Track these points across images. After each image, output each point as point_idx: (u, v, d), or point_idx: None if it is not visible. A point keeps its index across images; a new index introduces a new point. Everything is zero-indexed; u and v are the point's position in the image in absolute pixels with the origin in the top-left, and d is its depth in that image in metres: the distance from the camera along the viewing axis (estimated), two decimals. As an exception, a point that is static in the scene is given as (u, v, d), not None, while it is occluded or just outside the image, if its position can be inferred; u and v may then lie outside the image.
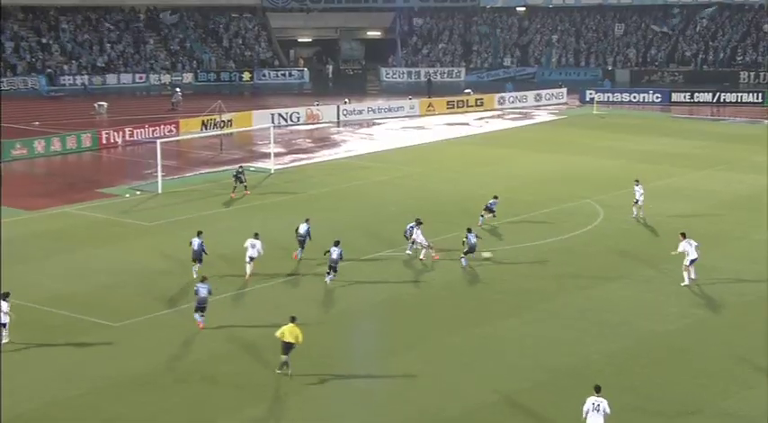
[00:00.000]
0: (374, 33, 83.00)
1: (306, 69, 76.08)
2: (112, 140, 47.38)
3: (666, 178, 39.23)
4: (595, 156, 43.76)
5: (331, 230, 31.21)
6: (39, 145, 44.91)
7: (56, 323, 23.18)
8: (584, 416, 17.08)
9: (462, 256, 27.37)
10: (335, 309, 24.49)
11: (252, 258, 26.16)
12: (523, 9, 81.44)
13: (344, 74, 78.90)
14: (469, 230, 27.75)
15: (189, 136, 48.07)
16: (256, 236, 26.52)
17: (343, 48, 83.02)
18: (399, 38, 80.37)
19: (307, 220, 28.19)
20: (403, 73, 76.56)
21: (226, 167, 42.21)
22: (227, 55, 74.68)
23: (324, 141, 50.46)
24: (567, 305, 24.55)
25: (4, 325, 21.96)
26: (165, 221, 32.84)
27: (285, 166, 42.68)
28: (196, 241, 26.30)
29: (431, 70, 74.88)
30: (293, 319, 20.45)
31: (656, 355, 21.41)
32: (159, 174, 37.28)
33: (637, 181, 33.04)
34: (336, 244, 25.91)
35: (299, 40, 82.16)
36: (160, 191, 36.52)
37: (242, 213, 33.79)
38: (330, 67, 77.70)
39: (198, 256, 26.11)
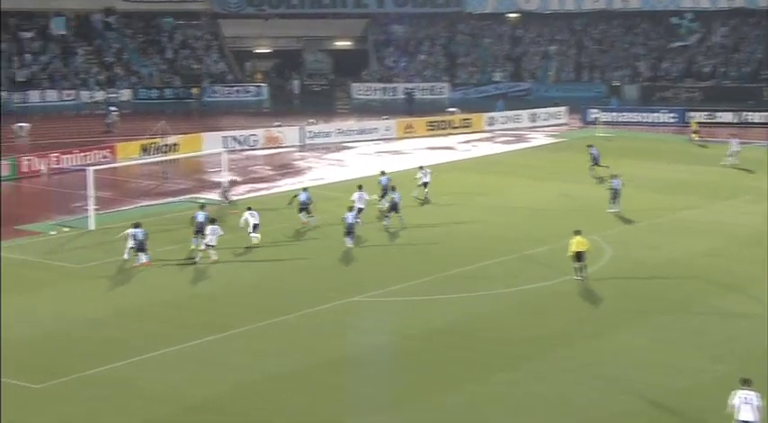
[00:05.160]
0: (344, 43, 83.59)
1: (264, 85, 76.33)
2: (35, 168, 47.14)
3: (684, 210, 39.62)
4: (601, 185, 44.09)
5: (289, 272, 31.23)
6: (-53, 174, 44.71)
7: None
8: (734, 411, 19.27)
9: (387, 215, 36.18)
10: (298, 365, 24.40)
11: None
12: (516, 16, 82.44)
13: (309, 90, 79.25)
14: (350, 208, 35.03)
15: (127, 163, 47.91)
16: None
17: (308, 60, 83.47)
18: (373, 49, 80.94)
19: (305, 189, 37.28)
20: (377, 89, 77.05)
21: (170, 199, 42.04)
22: (171, 68, 74.75)
23: (286, 168, 50.49)
24: (571, 358, 24.66)
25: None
26: (98, 263, 32.60)
27: (240, 197, 42.65)
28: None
29: (410, 86, 75.39)
30: (579, 232, 30.30)
31: (670, 415, 21.44)
32: (91, 207, 37.08)
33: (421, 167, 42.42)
34: (350, 209, 34.23)
35: (256, 50, 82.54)
36: (92, 227, 36.31)
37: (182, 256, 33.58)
38: (296, 83, 77.99)
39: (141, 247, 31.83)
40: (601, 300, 29.19)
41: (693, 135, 56.67)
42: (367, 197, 37.43)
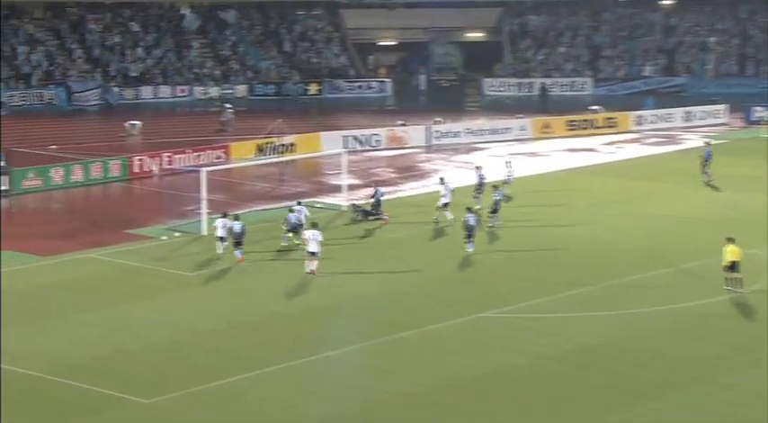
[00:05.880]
0: (475, 35, 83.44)
1: (388, 80, 76.87)
2: (147, 169, 48.56)
3: None
4: (765, 192, 42.91)
5: (407, 283, 31.41)
6: (56, 174, 46.32)
7: (71, 399, 23.70)
8: None
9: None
10: (425, 385, 24.45)
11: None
12: (669, 3, 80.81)
13: (437, 86, 79.37)
14: (469, 209, 35.42)
15: (241, 164, 48.89)
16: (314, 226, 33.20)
17: (436, 53, 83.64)
18: (507, 41, 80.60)
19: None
20: (511, 85, 76.65)
21: (287, 203, 42.68)
22: (289, 62, 75.99)
23: (410, 171, 50.72)
24: (733, 386, 24.12)
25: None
26: (210, 270, 33.45)
27: (361, 201, 43.02)
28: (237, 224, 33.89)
29: (548, 82, 74.78)
30: (732, 240, 30.21)
31: None
32: (204, 211, 37.99)
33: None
34: (469, 210, 35.11)
35: (380, 43, 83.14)
36: (205, 232, 37.20)
37: (297, 264, 34.08)
38: (423, 78, 78.24)
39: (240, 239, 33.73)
40: (765, 323, 28.31)
41: None
42: (452, 188, 39.17)
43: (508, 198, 41.75)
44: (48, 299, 30.39)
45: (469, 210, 35.66)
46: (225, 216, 34.76)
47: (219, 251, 34.15)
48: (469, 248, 34.68)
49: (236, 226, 34.00)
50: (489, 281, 32.48)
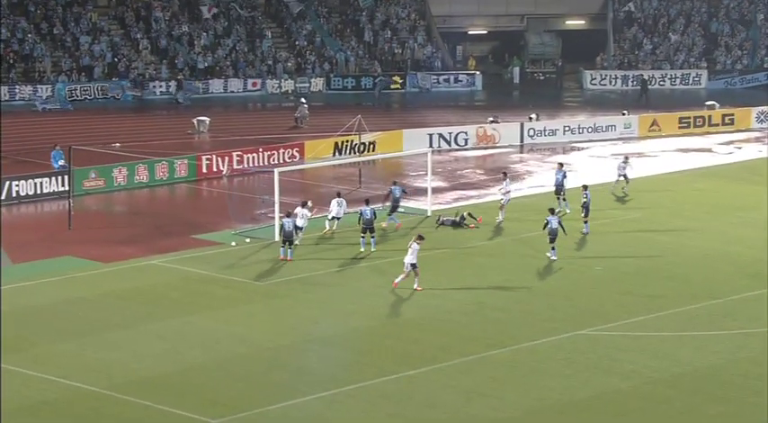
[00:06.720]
0: (576, 23, 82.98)
1: (478, 73, 76.89)
2: (215, 169, 49.22)
3: None
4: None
5: (497, 296, 31.42)
6: (119, 174, 47.25)
7: (135, 417, 24.16)
8: None
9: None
10: (516, 409, 24.47)
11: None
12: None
13: (532, 79, 79.14)
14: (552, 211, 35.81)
15: (317, 164, 49.31)
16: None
17: (531, 43, 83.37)
18: (612, 28, 80.00)
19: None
20: (615, 78, 76.08)
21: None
22: (369, 53, 76.43)
23: (500, 172, 50.54)
24: None
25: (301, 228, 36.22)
26: (283, 279, 33.88)
27: (446, 205, 43.18)
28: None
29: (655, 74, 74.07)
30: None
31: None
32: (276, 215, 38.42)
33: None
34: (552, 212, 35.77)
35: (470, 32, 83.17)
36: (277, 238, 37.62)
37: (374, 273, 34.35)
38: (516, 70, 78.05)
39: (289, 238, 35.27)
40: None
41: None
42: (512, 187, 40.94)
43: (620, 198, 42.33)
44: (109, 309, 31.04)
45: (552, 211, 35.66)
46: (289, 215, 36.11)
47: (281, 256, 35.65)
48: (552, 256, 34.88)
49: (287, 223, 35.27)
50: (588, 294, 32.35)
